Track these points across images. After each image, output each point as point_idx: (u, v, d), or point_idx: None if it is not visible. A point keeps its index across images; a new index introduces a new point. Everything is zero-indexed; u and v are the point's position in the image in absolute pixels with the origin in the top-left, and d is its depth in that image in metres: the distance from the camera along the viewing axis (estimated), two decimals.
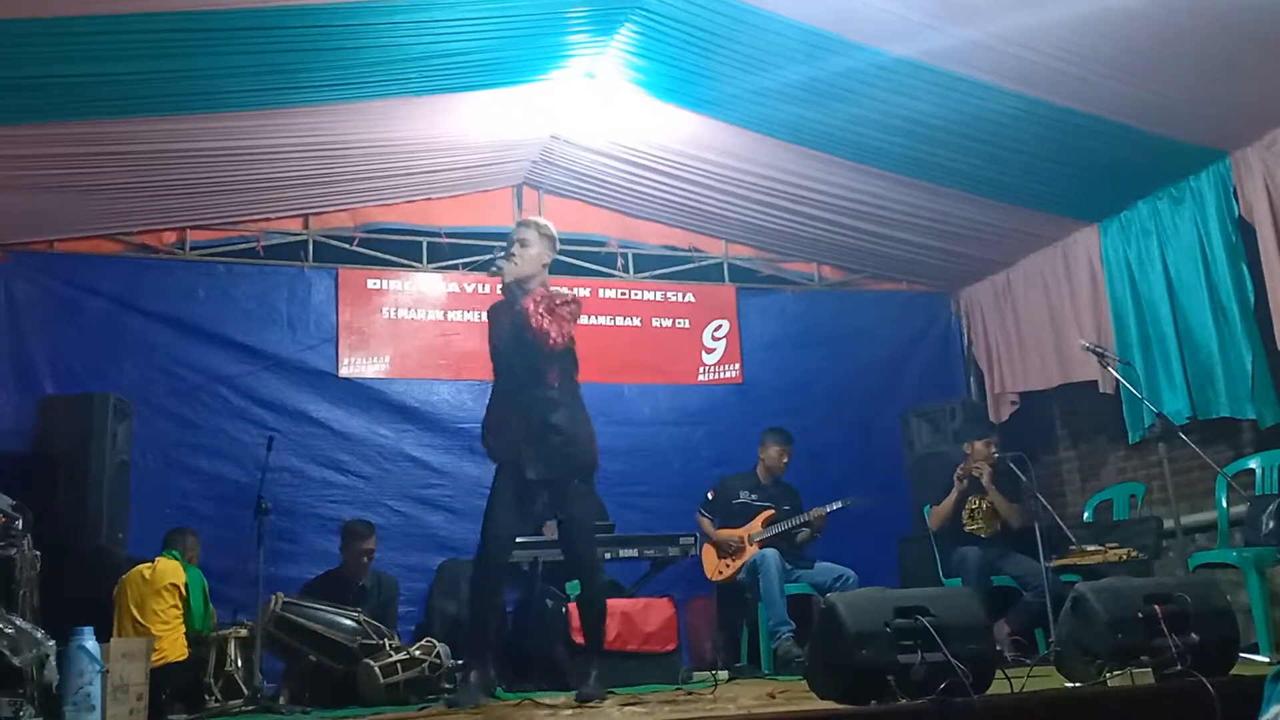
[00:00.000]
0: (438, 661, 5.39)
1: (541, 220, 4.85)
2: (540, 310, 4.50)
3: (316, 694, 5.38)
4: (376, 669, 5.26)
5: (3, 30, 4.53)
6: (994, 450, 6.59)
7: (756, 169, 6.90)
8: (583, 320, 7.61)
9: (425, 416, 7.35)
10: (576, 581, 6.09)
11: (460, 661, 5.09)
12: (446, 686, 5.13)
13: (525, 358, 4.56)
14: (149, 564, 5.68)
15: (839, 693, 3.02)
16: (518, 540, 5.87)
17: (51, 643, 4.33)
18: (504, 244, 4.71)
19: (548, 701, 4.56)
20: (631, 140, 6.86)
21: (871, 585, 5.42)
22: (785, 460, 6.83)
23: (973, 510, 6.66)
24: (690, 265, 8.24)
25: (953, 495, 6.55)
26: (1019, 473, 6.21)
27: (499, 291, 4.76)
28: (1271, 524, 5.32)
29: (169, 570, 5.64)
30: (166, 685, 5.25)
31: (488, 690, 4.35)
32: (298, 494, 6.91)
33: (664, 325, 8.06)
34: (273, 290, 7.30)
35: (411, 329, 7.50)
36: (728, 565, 6.63)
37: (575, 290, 7.69)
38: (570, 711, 3.97)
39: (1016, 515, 6.49)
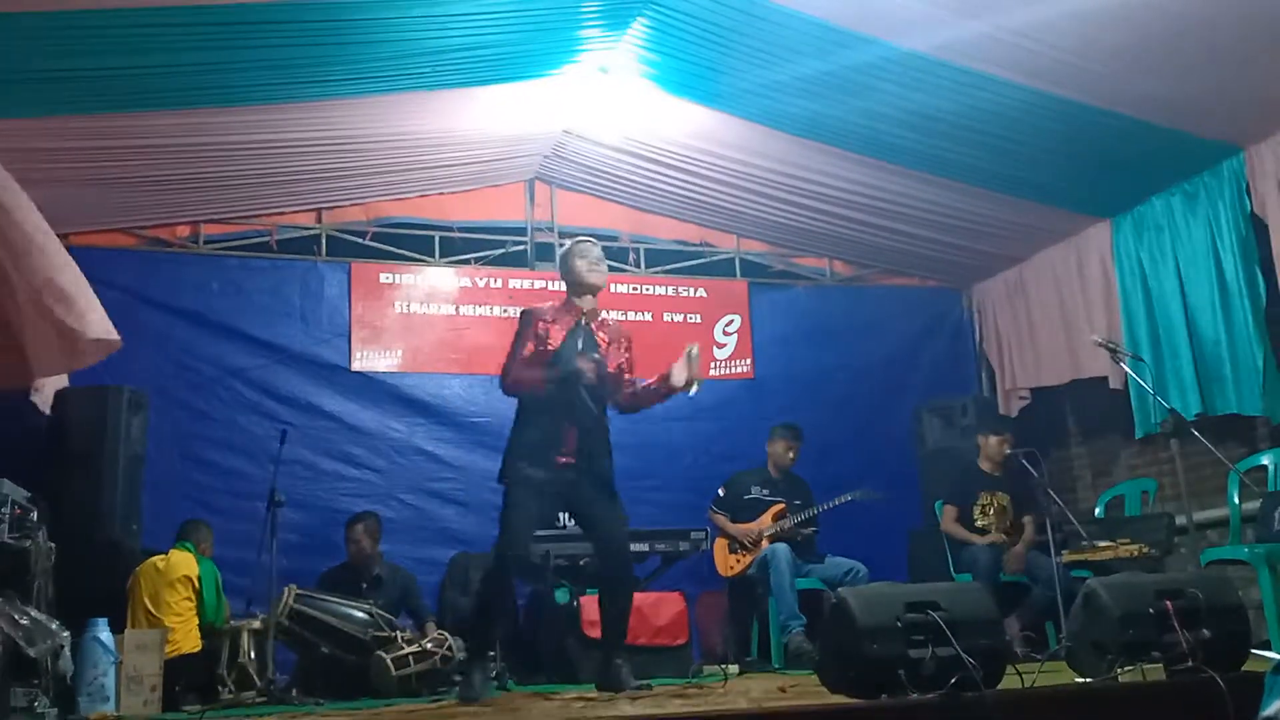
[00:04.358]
0: (449, 654, 5.41)
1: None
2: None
3: (329, 685, 5.41)
4: (389, 661, 5.30)
5: (17, 24, 4.56)
6: (1008, 448, 6.59)
7: (768, 164, 6.90)
8: None
9: (437, 410, 7.38)
10: (566, 588, 6.13)
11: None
12: (457, 678, 5.15)
13: (599, 389, 4.63)
14: (163, 556, 5.71)
15: (849, 686, 3.03)
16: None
17: (66, 634, 4.36)
18: (584, 255, 4.77)
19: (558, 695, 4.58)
20: (644, 135, 6.86)
21: (881, 580, 5.43)
22: (792, 456, 6.84)
23: (984, 506, 6.68)
24: (702, 260, 8.25)
25: (985, 539, 6.57)
26: (1030, 469, 6.21)
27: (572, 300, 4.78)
28: None
29: (182, 562, 5.68)
30: (180, 677, 5.30)
31: (489, 688, 4.38)
32: (310, 487, 6.94)
33: (675, 320, 8.06)
34: (286, 284, 7.33)
35: (424, 323, 7.52)
36: (739, 560, 6.64)
37: None
38: (580, 704, 3.99)
39: (1032, 531, 6.50)
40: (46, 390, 6.14)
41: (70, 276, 5.65)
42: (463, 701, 4.22)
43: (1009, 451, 6.66)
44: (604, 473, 4.60)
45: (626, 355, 4.77)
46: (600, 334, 4.71)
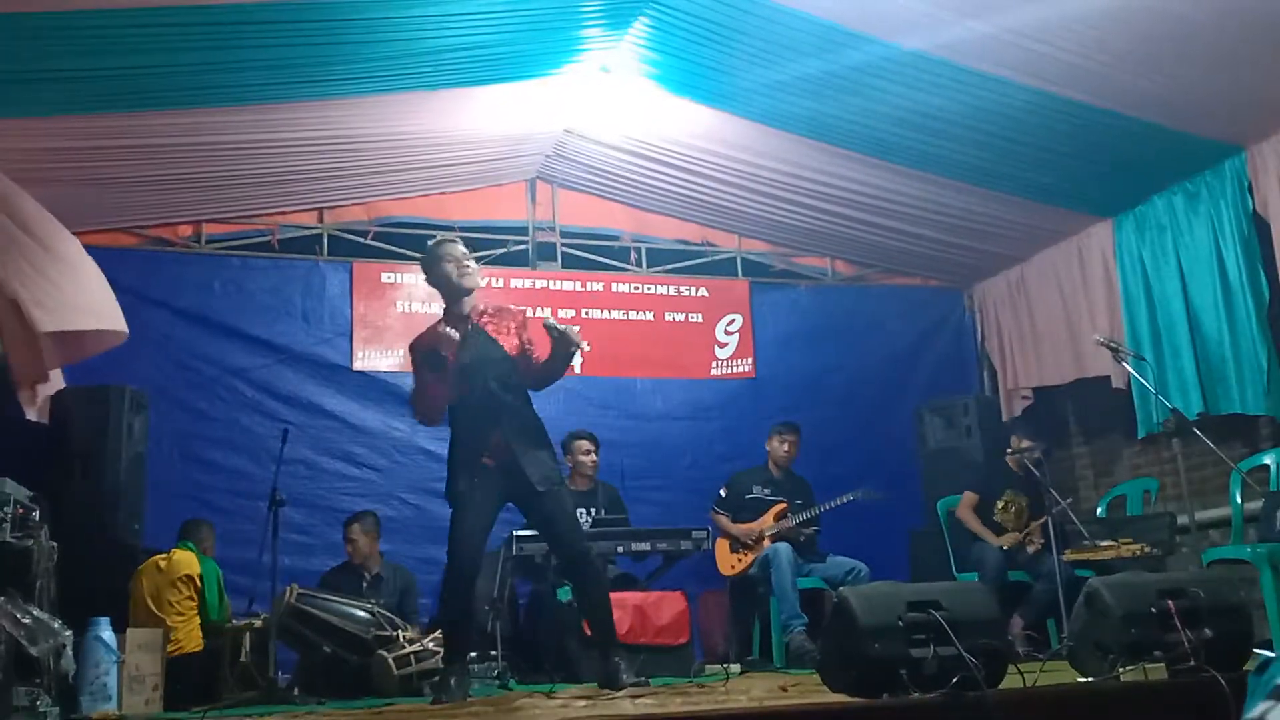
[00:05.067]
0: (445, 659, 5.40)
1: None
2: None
3: (330, 685, 5.40)
4: (390, 660, 5.30)
5: (17, 24, 4.56)
6: (1026, 451, 6.59)
7: (770, 163, 6.90)
8: (596, 314, 7.74)
9: None
10: (568, 587, 6.13)
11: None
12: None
13: (508, 375, 4.55)
14: (164, 555, 5.72)
15: (851, 686, 3.02)
16: (530, 534, 5.91)
17: (68, 633, 4.35)
18: (449, 258, 4.64)
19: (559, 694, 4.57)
20: (645, 134, 6.86)
21: (883, 579, 5.44)
22: (786, 449, 6.84)
23: (1006, 503, 6.68)
24: (703, 260, 8.25)
25: (999, 540, 6.54)
26: (1032, 468, 6.22)
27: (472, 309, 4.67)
28: None
29: (184, 562, 5.68)
30: (182, 676, 5.30)
31: (465, 691, 4.37)
32: (312, 486, 6.94)
33: (677, 319, 8.06)
34: (288, 284, 7.33)
35: (425, 322, 7.33)
36: (740, 560, 6.64)
37: (590, 285, 7.83)
38: (583, 703, 3.99)
39: (1039, 533, 6.50)
40: (39, 396, 6.11)
41: (56, 271, 5.69)
42: (435, 704, 4.21)
43: (1010, 451, 6.68)
44: (536, 466, 4.47)
45: (523, 334, 4.64)
46: (491, 327, 4.61)
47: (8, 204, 5.63)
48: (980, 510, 6.71)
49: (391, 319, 7.46)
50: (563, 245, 7.92)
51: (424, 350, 4.51)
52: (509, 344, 4.60)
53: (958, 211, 7.23)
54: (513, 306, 4.79)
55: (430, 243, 4.76)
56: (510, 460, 4.45)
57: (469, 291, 4.64)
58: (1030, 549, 6.44)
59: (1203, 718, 2.95)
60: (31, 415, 6.01)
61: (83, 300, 5.92)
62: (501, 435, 4.46)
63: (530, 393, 4.65)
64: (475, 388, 4.46)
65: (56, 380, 6.24)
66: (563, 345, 4.46)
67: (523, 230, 7.88)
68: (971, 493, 6.78)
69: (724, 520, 6.73)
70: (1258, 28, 5.01)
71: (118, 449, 6.04)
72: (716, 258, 8.28)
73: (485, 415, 4.47)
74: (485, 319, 4.65)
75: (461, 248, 4.68)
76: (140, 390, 6.36)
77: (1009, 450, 6.70)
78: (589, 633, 4.88)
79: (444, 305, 4.72)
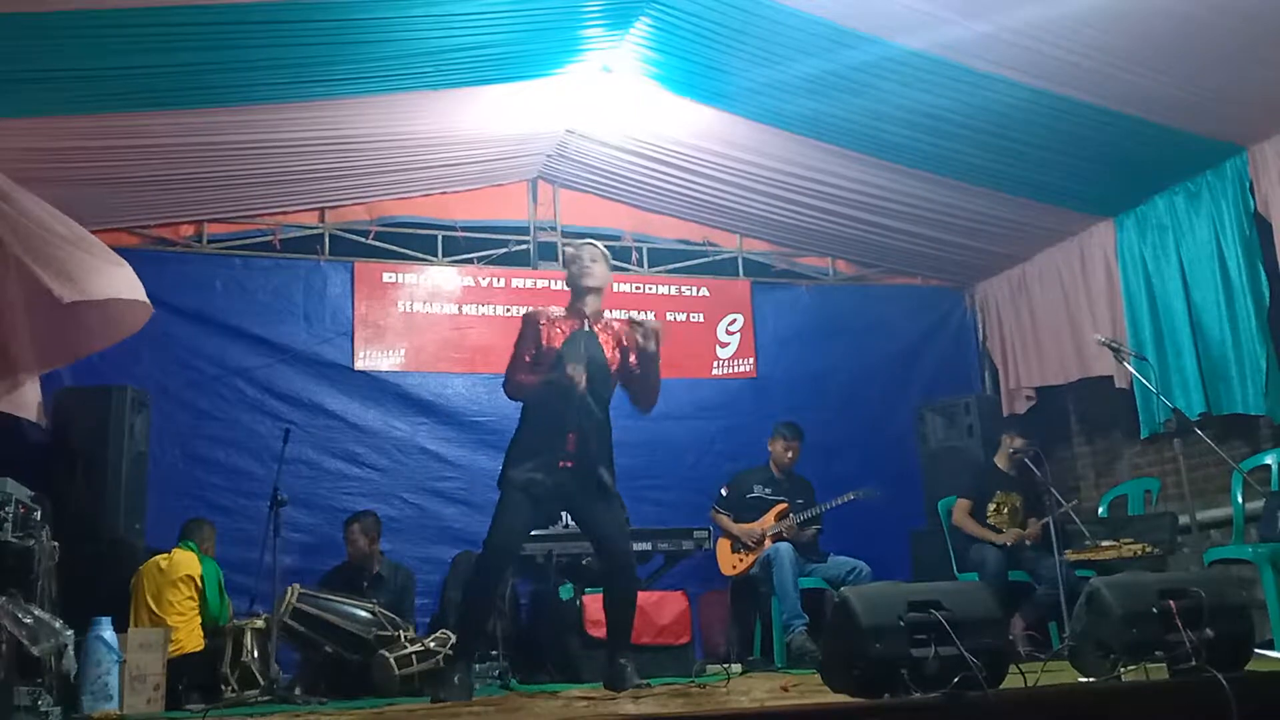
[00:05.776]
0: (452, 653, 5.41)
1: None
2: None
3: (332, 684, 5.41)
4: (392, 660, 5.30)
5: (20, 24, 4.56)
6: (1019, 451, 6.58)
7: (771, 163, 6.89)
8: None
9: (440, 409, 7.37)
10: (570, 586, 6.14)
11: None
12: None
13: (602, 381, 4.62)
14: (166, 555, 5.72)
15: (852, 686, 3.02)
16: (531, 533, 5.92)
17: (70, 633, 4.37)
18: (574, 260, 4.81)
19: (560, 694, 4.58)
20: (646, 134, 6.86)
21: (884, 579, 5.43)
22: (790, 455, 6.84)
23: (999, 505, 6.67)
24: (705, 259, 8.24)
25: (1001, 538, 6.53)
26: (1033, 468, 6.22)
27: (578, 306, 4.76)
28: None
29: (185, 562, 5.69)
30: (183, 676, 5.31)
31: (469, 689, 4.37)
32: (313, 486, 6.93)
33: (678, 319, 8.05)
34: (289, 283, 7.33)
35: (427, 322, 7.52)
36: (742, 559, 6.64)
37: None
38: (583, 703, 3.99)
39: (1038, 531, 6.49)
40: (27, 397, 6.07)
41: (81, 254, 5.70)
42: (435, 702, 4.21)
43: (1012, 451, 6.68)
44: (602, 476, 4.58)
45: (634, 354, 4.68)
46: (603, 335, 4.69)
47: (17, 204, 5.62)
48: (974, 514, 6.72)
49: (393, 319, 7.46)
50: (564, 245, 7.92)
51: (527, 320, 4.69)
52: (614, 359, 4.67)
53: (959, 211, 7.23)
54: (631, 328, 4.73)
55: (574, 245, 4.95)
56: (581, 466, 4.52)
57: (589, 291, 4.74)
58: (1029, 541, 6.45)
59: (1204, 718, 2.94)
60: (12, 410, 5.98)
61: (107, 277, 5.88)
62: (578, 436, 4.51)
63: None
64: (561, 386, 4.47)
65: (34, 391, 6.18)
66: (640, 332, 4.58)
67: (524, 230, 7.88)
68: (964, 499, 6.79)
69: (725, 520, 6.74)
70: (1259, 28, 5.01)
71: (119, 449, 6.05)
72: (718, 257, 8.28)
73: (567, 411, 4.49)
74: (600, 327, 4.72)
75: (591, 250, 4.80)
76: (141, 390, 6.37)
77: (1011, 451, 6.71)
78: (602, 632, 4.88)
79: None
